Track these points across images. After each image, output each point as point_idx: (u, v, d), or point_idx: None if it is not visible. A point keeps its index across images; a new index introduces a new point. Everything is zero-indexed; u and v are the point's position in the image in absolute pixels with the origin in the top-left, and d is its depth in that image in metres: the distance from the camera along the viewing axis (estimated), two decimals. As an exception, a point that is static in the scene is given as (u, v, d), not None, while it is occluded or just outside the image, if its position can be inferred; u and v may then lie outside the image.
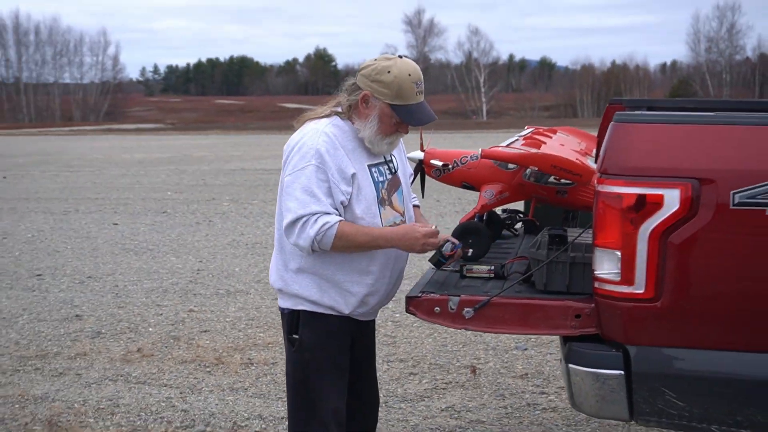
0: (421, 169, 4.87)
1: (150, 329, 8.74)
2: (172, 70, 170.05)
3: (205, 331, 8.60)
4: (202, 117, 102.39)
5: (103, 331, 8.67)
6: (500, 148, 4.68)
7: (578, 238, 4.10)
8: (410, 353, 7.73)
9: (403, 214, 4.25)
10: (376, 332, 7.89)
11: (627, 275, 3.66)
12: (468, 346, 7.79)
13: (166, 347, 8.05)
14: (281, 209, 4.08)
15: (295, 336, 4.13)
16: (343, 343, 4.19)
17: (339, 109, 4.12)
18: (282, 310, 4.22)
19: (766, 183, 3.54)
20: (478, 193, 4.79)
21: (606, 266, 3.70)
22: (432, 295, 4.04)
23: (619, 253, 3.66)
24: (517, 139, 5.13)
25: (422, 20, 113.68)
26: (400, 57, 4.06)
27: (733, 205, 3.55)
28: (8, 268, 12.22)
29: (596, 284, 3.75)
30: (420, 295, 4.05)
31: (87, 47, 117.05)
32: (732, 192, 3.55)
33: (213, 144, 50.43)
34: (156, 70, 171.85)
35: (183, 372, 7.32)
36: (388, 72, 3.95)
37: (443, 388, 6.80)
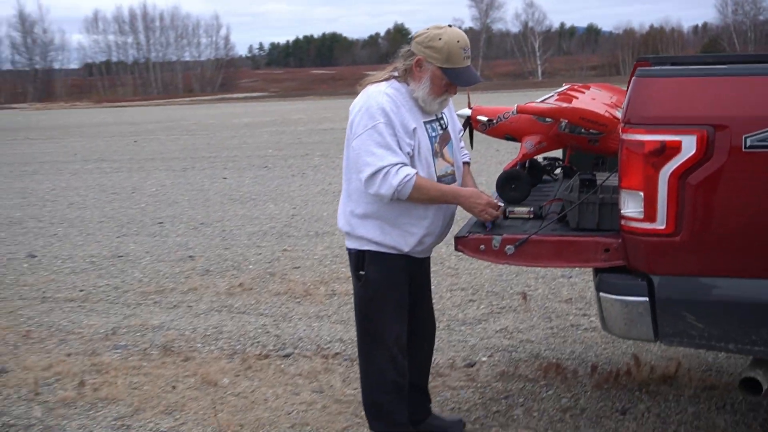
0: (469, 124, 4.74)
1: (250, 266, 8.77)
2: (274, 46, 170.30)
3: (297, 267, 8.60)
4: (300, 86, 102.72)
5: (211, 269, 8.73)
6: (534, 104, 4.53)
7: (606, 181, 3.94)
8: (470, 283, 7.64)
9: (452, 165, 4.18)
10: (440, 267, 7.89)
11: (650, 213, 3.53)
12: (520, 276, 7.66)
13: (263, 282, 8.08)
14: (350, 164, 4.03)
15: (361, 272, 4.08)
16: (402, 278, 4.12)
17: (396, 74, 4.04)
18: (349, 250, 4.16)
19: (774, 127, 3.36)
20: (519, 144, 4.65)
21: (631, 206, 3.57)
22: (477, 234, 3.96)
23: (642, 194, 3.53)
24: (552, 95, 4.96)
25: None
26: (450, 26, 3.97)
27: (746, 148, 3.39)
28: (135, 217, 12.38)
29: (622, 222, 3.63)
30: (467, 234, 3.98)
31: (203, 30, 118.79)
32: (744, 136, 3.39)
33: (308, 108, 50.61)
34: (261, 47, 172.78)
35: (276, 303, 7.33)
36: (439, 39, 3.87)
37: (498, 313, 6.71)
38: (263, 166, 18.73)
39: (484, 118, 4.69)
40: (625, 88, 5.20)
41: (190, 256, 9.40)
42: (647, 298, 3.60)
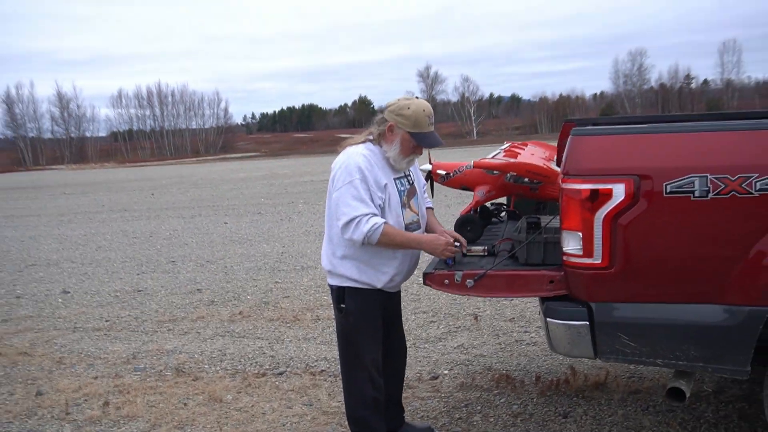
0: (431, 176, 4.54)
1: (248, 297, 8.42)
2: (264, 115, 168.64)
3: (287, 297, 8.27)
4: (285, 147, 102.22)
5: (215, 300, 8.37)
6: (487, 159, 4.33)
7: (548, 223, 3.75)
8: (430, 306, 7.36)
9: (417, 214, 3.97)
10: (404, 294, 7.61)
11: (588, 250, 3.34)
12: (471, 299, 7.36)
13: (259, 310, 7.73)
14: (331, 212, 3.80)
15: (342, 305, 3.85)
16: (377, 309, 3.89)
17: (371, 137, 3.85)
18: (331, 286, 3.93)
19: (690, 175, 3.21)
20: (472, 192, 4.46)
21: (571, 244, 3.39)
22: (442, 270, 3.74)
23: (581, 234, 3.34)
24: (499, 152, 4.77)
25: (430, 73, 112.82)
26: (417, 98, 3.80)
27: (666, 193, 3.22)
28: (152, 257, 11.97)
29: (564, 257, 3.43)
30: (433, 271, 3.77)
31: (206, 103, 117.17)
32: (665, 183, 3.22)
33: (292, 164, 50.22)
34: (253, 116, 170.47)
35: (271, 327, 7.01)
36: (408, 108, 3.70)
37: (455, 332, 6.45)
38: (257, 212, 18.34)
39: (442, 172, 4.50)
40: (554, 145, 5.06)
41: (198, 289, 9.03)
42: (587, 322, 3.40)
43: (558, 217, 3.54)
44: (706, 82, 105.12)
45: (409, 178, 3.95)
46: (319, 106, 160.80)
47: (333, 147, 4.22)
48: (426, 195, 4.14)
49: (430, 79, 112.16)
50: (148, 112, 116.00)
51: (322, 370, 5.59)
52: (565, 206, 3.38)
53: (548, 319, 3.48)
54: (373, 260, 3.79)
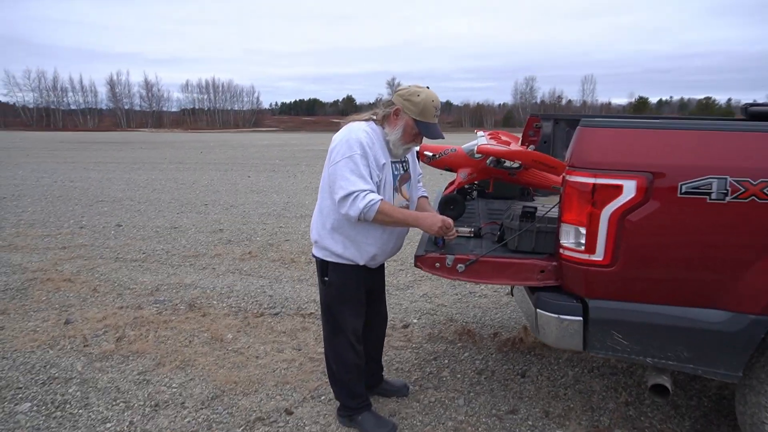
0: (416, 156, 3.21)
1: (258, 238, 7.04)
2: (283, 104, 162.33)
3: (287, 240, 6.91)
4: (295, 125, 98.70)
5: (232, 239, 6.97)
6: (491, 147, 2.91)
7: (546, 213, 2.46)
8: (399, 257, 6.00)
9: (408, 200, 2.62)
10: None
11: (590, 246, 2.06)
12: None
13: (264, 251, 6.36)
14: (324, 184, 2.47)
15: (326, 278, 2.57)
16: (358, 283, 2.59)
17: (375, 117, 2.50)
18: (315, 257, 2.61)
19: (707, 176, 1.93)
20: (454, 173, 3.15)
21: (571, 238, 2.09)
22: (433, 253, 2.42)
23: (583, 230, 2.06)
24: (482, 138, 3.43)
25: (394, 83, 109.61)
26: (427, 87, 2.45)
27: (681, 194, 1.95)
28: (191, 200, 10.43)
29: (561, 251, 2.15)
30: (424, 253, 2.43)
31: (245, 93, 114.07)
32: (680, 183, 1.94)
33: (300, 138, 48.03)
34: (276, 104, 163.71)
35: (272, 267, 5.66)
36: (418, 96, 2.40)
37: (420, 281, 5.19)
38: (272, 170, 16.73)
39: (429, 153, 3.18)
40: (517, 135, 3.78)
41: (220, 229, 7.61)
42: (581, 318, 2.16)
43: (557, 208, 2.27)
44: (570, 101, 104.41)
45: (404, 164, 2.60)
46: (320, 99, 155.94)
47: (329, 127, 2.98)
48: (420, 184, 2.80)
49: (394, 87, 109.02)
50: (206, 96, 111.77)
51: (311, 313, 4.31)
52: (568, 199, 2.11)
53: (539, 310, 2.24)
54: (358, 237, 2.49)
